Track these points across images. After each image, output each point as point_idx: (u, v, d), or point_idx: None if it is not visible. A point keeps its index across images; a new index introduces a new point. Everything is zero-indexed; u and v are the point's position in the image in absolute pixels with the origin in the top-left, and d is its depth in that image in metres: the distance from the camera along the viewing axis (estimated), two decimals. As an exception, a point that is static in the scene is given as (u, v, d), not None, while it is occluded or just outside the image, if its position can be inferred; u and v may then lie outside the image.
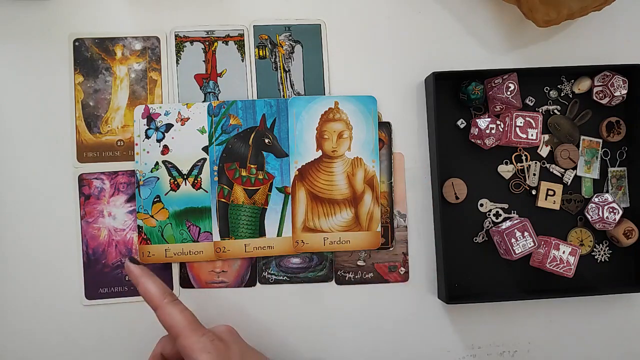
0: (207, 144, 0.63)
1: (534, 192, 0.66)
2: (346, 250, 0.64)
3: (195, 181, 0.63)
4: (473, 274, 0.66)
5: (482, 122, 0.62)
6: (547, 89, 0.67)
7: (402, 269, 0.65)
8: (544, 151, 0.66)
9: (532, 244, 0.61)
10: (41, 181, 0.63)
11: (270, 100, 0.64)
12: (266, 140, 0.63)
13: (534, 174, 0.66)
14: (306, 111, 0.64)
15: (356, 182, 0.64)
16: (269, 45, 0.65)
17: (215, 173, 0.63)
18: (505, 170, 0.66)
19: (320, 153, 0.64)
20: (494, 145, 0.64)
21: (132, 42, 0.65)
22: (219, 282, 0.64)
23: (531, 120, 0.62)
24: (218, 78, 0.65)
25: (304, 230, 0.64)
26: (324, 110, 0.64)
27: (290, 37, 0.66)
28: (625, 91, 0.64)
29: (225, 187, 0.63)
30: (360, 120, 0.65)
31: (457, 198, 0.65)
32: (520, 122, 0.62)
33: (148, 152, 0.63)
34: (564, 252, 0.62)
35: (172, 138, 0.63)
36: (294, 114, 0.64)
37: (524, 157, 0.66)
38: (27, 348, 0.63)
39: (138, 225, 0.63)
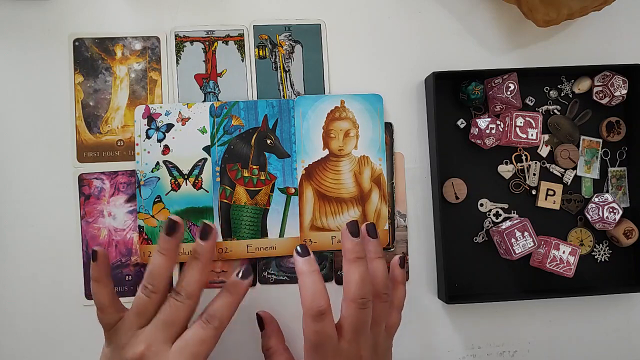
0: (208, 143, 0.63)
1: (534, 192, 0.66)
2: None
3: (196, 181, 0.63)
4: (473, 274, 0.66)
5: (482, 122, 0.62)
6: (547, 89, 0.67)
7: (402, 268, 0.65)
8: (544, 151, 0.66)
9: (532, 244, 0.61)
10: (41, 181, 0.63)
11: (272, 100, 0.64)
12: (268, 141, 0.63)
13: (534, 174, 0.66)
14: (312, 110, 0.64)
15: (363, 180, 0.64)
16: (269, 45, 0.65)
17: (217, 174, 0.63)
18: (505, 170, 0.66)
19: (327, 152, 0.64)
20: (494, 145, 0.64)
21: (132, 42, 0.65)
22: (219, 282, 0.64)
23: (531, 120, 0.62)
24: (218, 78, 0.65)
25: (311, 229, 0.64)
26: (330, 109, 0.64)
27: (290, 37, 0.66)
28: (625, 91, 0.64)
29: (227, 187, 0.63)
30: (366, 119, 0.65)
31: (457, 198, 0.65)
32: (520, 122, 0.62)
33: (149, 152, 0.63)
34: (564, 252, 0.62)
35: (173, 138, 0.63)
36: (300, 113, 0.64)
37: (524, 157, 0.66)
38: (27, 348, 0.63)
39: (139, 225, 0.63)
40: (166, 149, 0.63)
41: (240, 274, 0.55)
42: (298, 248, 0.54)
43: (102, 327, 0.56)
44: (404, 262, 0.60)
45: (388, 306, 0.56)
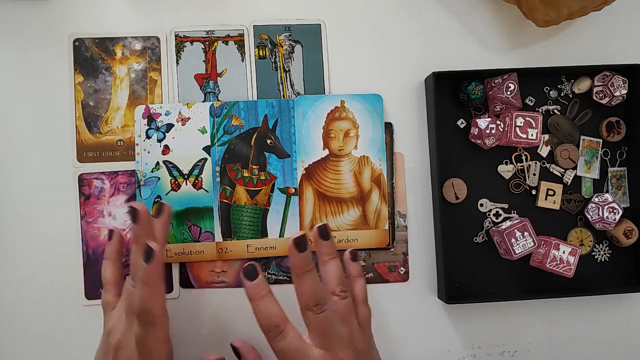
0: (208, 143, 0.63)
1: (534, 192, 0.66)
2: (354, 249, 0.64)
3: (196, 181, 0.63)
4: (473, 274, 0.66)
5: (482, 122, 0.62)
6: (547, 89, 0.67)
7: (402, 269, 0.65)
8: (544, 151, 0.66)
9: (532, 244, 0.61)
10: (41, 181, 0.63)
11: (272, 100, 0.64)
12: (268, 141, 0.63)
13: (534, 174, 0.66)
14: (312, 110, 0.64)
15: (363, 180, 0.64)
16: (269, 45, 0.65)
17: (217, 174, 0.63)
18: (505, 170, 0.66)
19: (327, 152, 0.64)
20: (494, 145, 0.64)
21: (132, 42, 0.65)
22: (219, 282, 0.64)
23: (531, 120, 0.62)
24: (218, 78, 0.65)
25: (311, 229, 0.64)
26: (330, 109, 0.64)
27: (290, 37, 0.66)
28: (625, 91, 0.64)
29: (227, 187, 0.63)
30: (366, 119, 0.65)
31: (457, 198, 0.65)
32: (520, 122, 0.62)
33: (149, 152, 0.63)
34: (564, 252, 0.62)
35: (173, 138, 0.63)
36: (300, 113, 0.64)
37: (524, 157, 0.66)
38: (27, 348, 0.63)
39: (138, 226, 0.63)
40: (166, 149, 0.63)
41: (142, 257, 0.51)
42: (246, 270, 0.53)
43: (103, 309, 0.57)
44: (356, 256, 0.59)
45: (350, 302, 0.55)
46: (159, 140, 0.63)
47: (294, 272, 0.54)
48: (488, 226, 0.66)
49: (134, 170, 0.63)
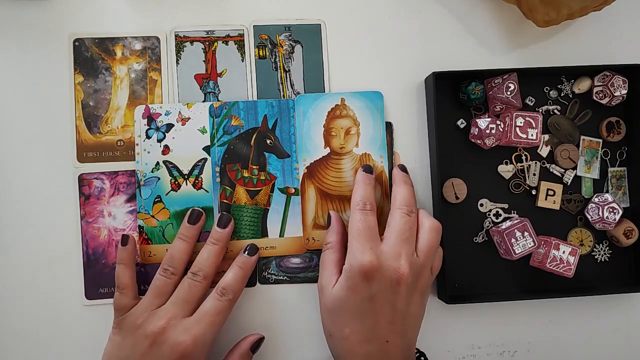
0: (208, 143, 0.63)
1: (534, 192, 0.66)
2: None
3: (196, 181, 0.63)
4: (473, 274, 0.66)
5: (482, 122, 0.62)
6: (547, 89, 0.67)
7: (402, 268, 0.65)
8: (544, 151, 0.66)
9: (532, 244, 0.61)
10: (41, 181, 0.63)
11: (272, 100, 0.64)
12: (268, 141, 0.63)
13: (534, 174, 0.66)
14: (313, 109, 0.64)
15: (364, 178, 0.64)
16: (269, 45, 0.65)
17: (217, 174, 0.63)
18: (505, 170, 0.66)
19: (328, 150, 0.64)
20: (494, 145, 0.64)
21: (132, 42, 0.65)
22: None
23: (531, 120, 0.62)
24: (218, 78, 0.65)
25: (314, 227, 0.64)
26: (330, 107, 0.64)
27: (290, 37, 0.66)
28: (625, 91, 0.64)
29: (227, 188, 0.63)
30: (367, 116, 0.65)
31: (457, 198, 0.65)
32: (520, 122, 0.62)
33: (149, 152, 0.63)
34: (564, 252, 0.62)
35: (173, 138, 0.63)
36: (300, 112, 0.64)
37: (524, 157, 0.66)
38: (27, 348, 0.63)
39: (139, 225, 0.63)
40: (166, 149, 0.63)
41: (247, 252, 0.61)
42: (364, 167, 0.62)
43: (114, 312, 0.59)
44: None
45: (416, 223, 0.60)
46: (159, 140, 0.63)
47: (396, 179, 0.62)
48: (488, 226, 0.66)
49: (134, 170, 0.63)
